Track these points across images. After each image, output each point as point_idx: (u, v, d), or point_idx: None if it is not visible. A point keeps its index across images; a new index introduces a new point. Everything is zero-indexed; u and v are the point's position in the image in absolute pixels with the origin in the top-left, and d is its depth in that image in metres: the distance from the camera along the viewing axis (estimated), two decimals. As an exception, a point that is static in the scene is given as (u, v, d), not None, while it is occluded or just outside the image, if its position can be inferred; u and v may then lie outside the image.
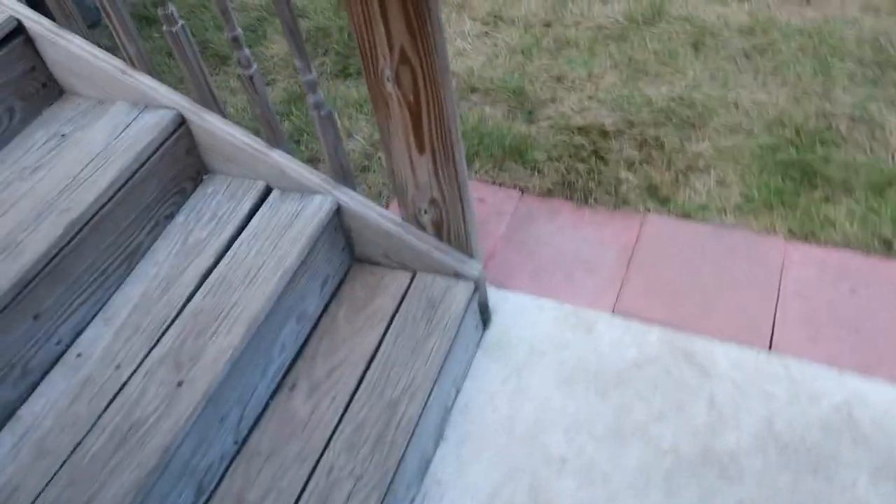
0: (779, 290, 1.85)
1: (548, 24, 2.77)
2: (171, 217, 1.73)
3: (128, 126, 1.68)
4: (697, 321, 1.81)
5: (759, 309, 1.82)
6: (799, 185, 2.07)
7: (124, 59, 1.72)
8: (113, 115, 1.72)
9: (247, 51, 1.57)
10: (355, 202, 1.72)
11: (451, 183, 1.58)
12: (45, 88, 1.78)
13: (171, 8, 1.57)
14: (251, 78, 1.60)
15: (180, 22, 1.59)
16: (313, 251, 1.66)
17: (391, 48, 1.35)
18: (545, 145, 2.31)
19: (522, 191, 2.22)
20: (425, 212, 1.68)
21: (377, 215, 1.72)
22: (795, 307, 1.81)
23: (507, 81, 2.55)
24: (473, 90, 2.56)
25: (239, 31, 1.54)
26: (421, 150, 1.53)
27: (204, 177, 1.81)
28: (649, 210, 2.10)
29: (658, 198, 2.12)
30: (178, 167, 1.73)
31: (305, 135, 2.46)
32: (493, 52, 2.70)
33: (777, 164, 2.13)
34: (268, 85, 2.70)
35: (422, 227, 1.72)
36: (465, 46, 2.74)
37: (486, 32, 2.80)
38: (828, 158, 2.12)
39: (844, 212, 1.99)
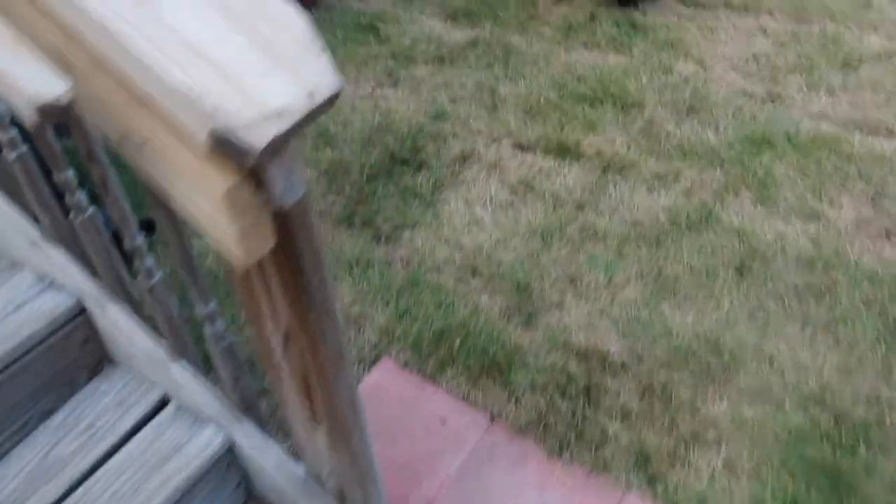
0: None
1: (580, 207, 2.46)
2: (50, 413, 1.49)
3: (19, 307, 1.47)
4: None
5: None
6: (827, 499, 1.64)
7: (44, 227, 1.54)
8: (13, 286, 1.52)
9: (150, 261, 1.34)
10: (254, 443, 1.44)
11: (352, 466, 1.28)
12: (-38, 237, 1.62)
13: (81, 195, 1.37)
14: (151, 289, 1.37)
15: (90, 209, 1.39)
16: (186, 497, 1.38)
17: (277, 324, 1.08)
18: (533, 366, 1.97)
19: (493, 418, 1.88)
20: (328, 475, 1.38)
21: (275, 464, 1.43)
22: None
23: (516, 271, 2.25)
24: (475, 273, 2.26)
25: (139, 240, 1.31)
26: (316, 421, 1.24)
27: (105, 366, 1.58)
28: (631, 486, 1.71)
29: (647, 472, 1.73)
30: (70, 359, 1.50)
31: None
32: (511, 228, 2.41)
33: (804, 461, 1.71)
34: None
35: (324, 487, 1.42)
36: (483, 216, 2.47)
37: (511, 203, 2.51)
38: (870, 469, 1.69)
39: (879, 555, 1.55)
